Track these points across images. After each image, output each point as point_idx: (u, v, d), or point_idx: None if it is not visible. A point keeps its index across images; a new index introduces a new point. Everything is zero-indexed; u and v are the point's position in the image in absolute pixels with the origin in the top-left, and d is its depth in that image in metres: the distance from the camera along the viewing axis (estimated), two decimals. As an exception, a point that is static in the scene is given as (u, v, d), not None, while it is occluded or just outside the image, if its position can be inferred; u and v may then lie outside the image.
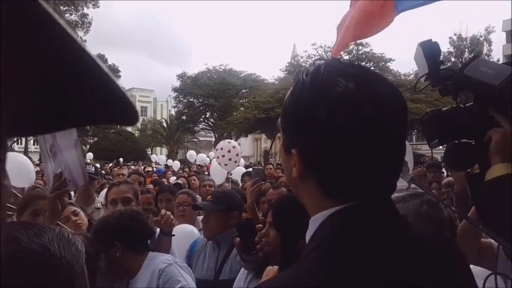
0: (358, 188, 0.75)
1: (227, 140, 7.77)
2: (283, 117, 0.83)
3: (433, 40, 1.33)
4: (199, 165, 17.64)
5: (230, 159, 7.09)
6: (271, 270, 1.30)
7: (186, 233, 3.44)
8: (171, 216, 2.77)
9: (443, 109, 1.32)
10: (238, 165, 8.58)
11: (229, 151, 7.11)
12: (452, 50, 37.20)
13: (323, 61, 0.82)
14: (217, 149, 7.43)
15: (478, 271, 1.29)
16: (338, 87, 0.74)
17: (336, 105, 0.73)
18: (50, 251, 0.91)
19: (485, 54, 36.87)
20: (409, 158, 3.00)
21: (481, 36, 37.05)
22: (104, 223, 2.33)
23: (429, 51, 1.33)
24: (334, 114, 0.73)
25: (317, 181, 0.77)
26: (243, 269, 2.34)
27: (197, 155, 19.77)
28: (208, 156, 19.18)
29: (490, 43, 37.37)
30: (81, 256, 0.98)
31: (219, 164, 7.33)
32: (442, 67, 1.31)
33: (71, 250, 0.96)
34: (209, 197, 3.05)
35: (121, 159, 27.42)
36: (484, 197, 1.22)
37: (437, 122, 1.30)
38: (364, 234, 0.74)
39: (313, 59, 38.66)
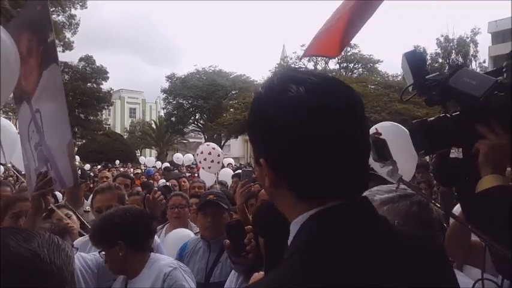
0: (328, 189, 0.76)
1: (206, 143, 7.78)
2: (247, 130, 0.85)
3: (418, 49, 1.34)
4: (188, 166, 17.52)
5: (213, 161, 7.08)
6: (257, 276, 1.30)
7: (183, 236, 3.43)
8: (162, 198, 2.78)
9: (429, 119, 1.33)
10: (224, 167, 8.57)
11: (209, 153, 7.10)
12: (440, 51, 37.65)
13: (279, 73, 0.85)
14: (197, 154, 7.42)
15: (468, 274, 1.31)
16: (290, 92, 0.77)
17: (290, 110, 0.76)
18: (40, 257, 0.90)
19: (472, 55, 37.40)
20: (410, 159, 2.97)
21: (468, 38, 37.57)
22: (107, 221, 2.29)
23: (413, 61, 1.33)
24: (288, 120, 0.75)
25: (289, 187, 0.78)
26: (233, 271, 2.33)
27: (184, 156, 19.59)
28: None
29: (476, 44, 37.90)
30: (71, 262, 0.98)
31: (203, 168, 7.32)
32: (428, 76, 1.31)
33: (61, 256, 0.95)
34: (211, 196, 3.03)
35: (117, 162, 27.07)
36: (476, 208, 1.23)
37: (424, 133, 1.31)
38: (346, 234, 0.75)
39: (302, 60, 38.84)
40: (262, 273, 1.33)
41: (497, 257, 1.32)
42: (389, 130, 3.03)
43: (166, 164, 18.37)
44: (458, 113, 1.29)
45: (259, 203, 2.94)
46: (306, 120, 0.74)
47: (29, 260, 0.88)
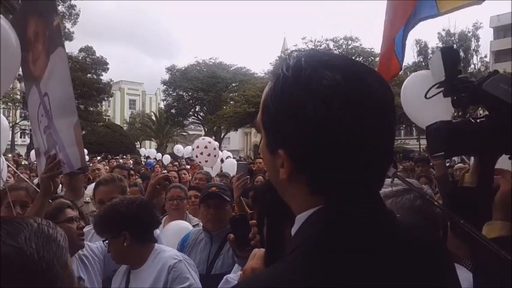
0: (345, 185, 0.72)
1: (201, 137, 7.74)
2: (264, 115, 0.78)
3: (455, 47, 1.28)
4: (189, 158, 17.49)
5: (209, 155, 7.04)
6: (257, 253, 1.28)
7: (182, 228, 3.44)
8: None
9: (454, 121, 1.26)
10: (228, 158, 8.53)
11: (205, 147, 7.07)
12: (441, 46, 37.46)
13: (302, 53, 0.77)
14: (193, 149, 7.36)
15: None
16: (324, 80, 0.70)
17: (324, 100, 0.69)
18: (26, 254, 0.84)
19: (473, 49, 37.22)
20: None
21: (469, 32, 37.36)
22: (113, 211, 2.27)
23: (449, 58, 1.26)
24: (323, 109, 0.69)
25: (307, 180, 0.74)
26: (236, 264, 2.33)
27: (184, 147, 19.54)
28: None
29: (477, 39, 37.71)
30: (63, 252, 0.91)
31: (200, 162, 7.28)
32: (459, 76, 1.25)
33: (52, 248, 0.88)
34: (214, 188, 3.03)
35: (128, 156, 26.92)
36: (477, 250, 1.20)
37: (447, 135, 1.24)
38: (348, 233, 0.72)
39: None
40: (263, 250, 1.31)
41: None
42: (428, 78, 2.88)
43: (167, 157, 18.33)
44: (483, 119, 1.22)
45: (261, 183, 2.93)
46: (340, 112, 0.69)
47: (12, 259, 0.82)
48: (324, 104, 0.69)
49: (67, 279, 0.92)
